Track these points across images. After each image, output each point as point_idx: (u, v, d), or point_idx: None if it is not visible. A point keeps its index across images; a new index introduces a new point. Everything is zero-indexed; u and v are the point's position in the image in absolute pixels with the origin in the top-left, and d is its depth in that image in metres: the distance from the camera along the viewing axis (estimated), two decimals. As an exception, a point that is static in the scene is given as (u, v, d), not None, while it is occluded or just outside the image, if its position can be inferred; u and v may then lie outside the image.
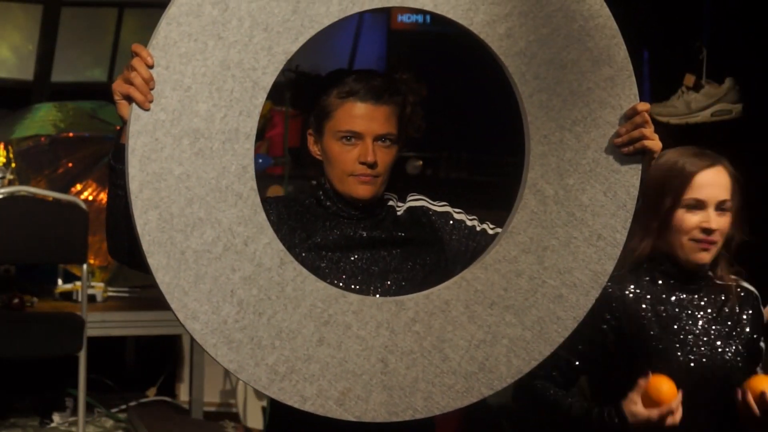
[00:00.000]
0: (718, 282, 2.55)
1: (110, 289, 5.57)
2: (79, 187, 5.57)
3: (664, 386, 2.38)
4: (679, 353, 2.46)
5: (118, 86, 2.00)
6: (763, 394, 2.40)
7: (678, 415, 2.37)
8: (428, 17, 7.24)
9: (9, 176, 5.40)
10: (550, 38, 2.16)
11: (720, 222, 2.47)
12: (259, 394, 5.22)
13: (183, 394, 5.77)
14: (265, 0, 2.04)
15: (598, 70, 2.17)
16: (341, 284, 2.23)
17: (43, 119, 5.69)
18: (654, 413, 2.37)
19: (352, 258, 2.28)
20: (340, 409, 2.09)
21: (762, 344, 2.58)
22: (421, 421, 2.14)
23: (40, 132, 5.61)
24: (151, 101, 1.99)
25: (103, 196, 5.59)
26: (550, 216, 2.18)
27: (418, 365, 2.13)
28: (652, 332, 2.48)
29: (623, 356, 2.49)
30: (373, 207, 2.32)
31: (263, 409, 5.24)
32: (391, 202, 2.37)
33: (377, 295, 2.22)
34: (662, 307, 2.50)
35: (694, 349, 2.47)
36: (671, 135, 2.23)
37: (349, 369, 2.09)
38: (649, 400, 2.37)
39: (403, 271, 2.28)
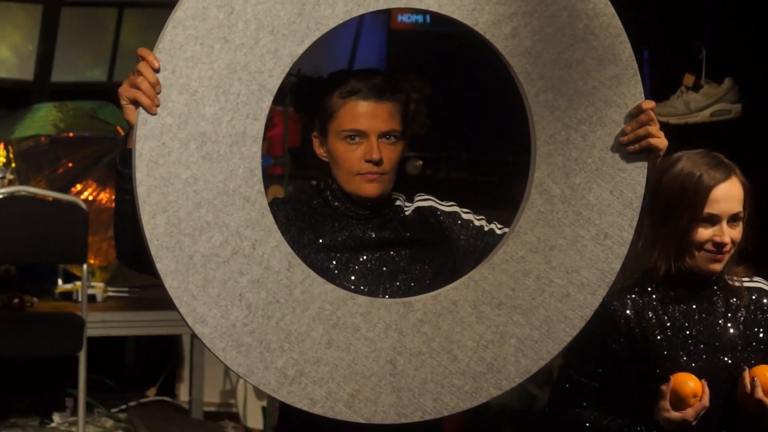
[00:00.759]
0: (729, 284, 2.54)
1: (110, 289, 5.57)
2: (79, 187, 5.56)
3: (690, 382, 2.38)
4: (687, 357, 2.46)
5: (125, 90, 1.99)
6: None
7: (706, 400, 2.37)
8: (428, 17, 7.23)
9: (9, 176, 5.39)
10: (555, 37, 2.17)
11: (733, 233, 2.46)
12: (259, 394, 5.22)
13: (183, 394, 5.77)
14: (271, 3, 2.04)
15: (603, 69, 2.17)
16: (351, 285, 2.23)
17: (43, 119, 5.68)
18: (689, 413, 2.37)
19: (361, 259, 2.28)
20: (349, 411, 2.09)
21: None
22: (430, 422, 2.14)
23: (40, 132, 5.60)
24: (157, 105, 1.99)
25: (103, 196, 5.59)
26: (557, 215, 2.18)
27: (426, 366, 2.13)
28: (661, 339, 2.47)
29: (634, 367, 2.49)
30: (381, 207, 2.32)
31: (263, 409, 5.24)
32: (398, 202, 2.37)
33: (386, 296, 2.22)
34: (671, 314, 2.49)
35: (704, 356, 2.46)
36: (671, 135, 2.23)
37: (357, 371, 2.10)
38: (679, 401, 2.37)
39: (411, 272, 2.29)
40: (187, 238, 2.01)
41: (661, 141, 2.18)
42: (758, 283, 2.58)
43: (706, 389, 2.39)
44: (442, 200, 2.41)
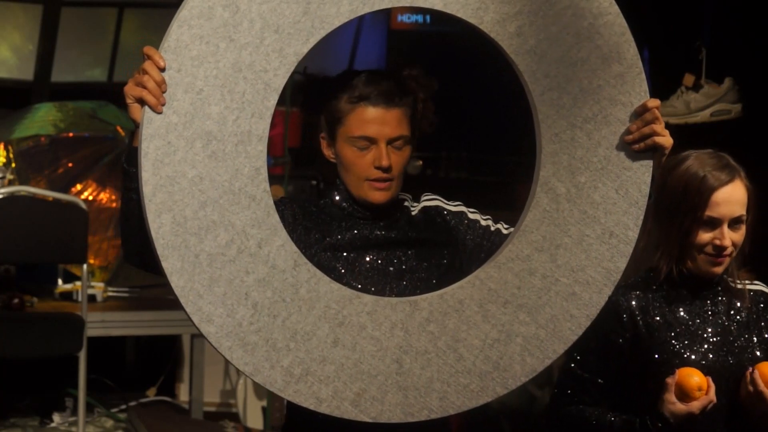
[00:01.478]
0: (730, 286, 2.54)
1: (110, 289, 5.57)
2: (79, 187, 5.56)
3: (695, 376, 2.38)
4: (693, 355, 2.46)
5: (130, 89, 1.99)
6: None
7: (713, 395, 2.37)
8: (428, 17, 7.22)
9: (9, 176, 5.39)
10: (560, 36, 2.16)
11: (734, 236, 2.45)
12: (259, 394, 5.22)
13: (183, 394, 5.77)
14: (276, 1, 2.04)
15: (608, 68, 2.17)
16: (358, 285, 2.23)
17: (43, 119, 5.68)
18: (695, 405, 2.36)
19: (368, 258, 2.28)
20: (355, 411, 2.09)
21: None
22: (436, 421, 2.14)
23: (40, 132, 5.59)
24: (163, 104, 1.98)
25: (103, 196, 5.59)
26: (563, 214, 2.18)
27: (432, 365, 2.13)
28: (664, 338, 2.47)
29: (638, 363, 2.49)
30: (388, 207, 2.31)
31: (263, 409, 5.24)
32: (405, 203, 2.37)
33: (393, 296, 2.22)
34: (675, 313, 2.49)
35: (710, 356, 2.46)
36: (670, 135, 2.23)
37: (364, 370, 2.09)
38: (684, 394, 2.37)
39: (418, 272, 2.28)
40: (193, 237, 2.01)
41: (666, 139, 2.18)
42: (759, 286, 2.59)
43: (712, 384, 2.38)
44: (447, 200, 2.41)
